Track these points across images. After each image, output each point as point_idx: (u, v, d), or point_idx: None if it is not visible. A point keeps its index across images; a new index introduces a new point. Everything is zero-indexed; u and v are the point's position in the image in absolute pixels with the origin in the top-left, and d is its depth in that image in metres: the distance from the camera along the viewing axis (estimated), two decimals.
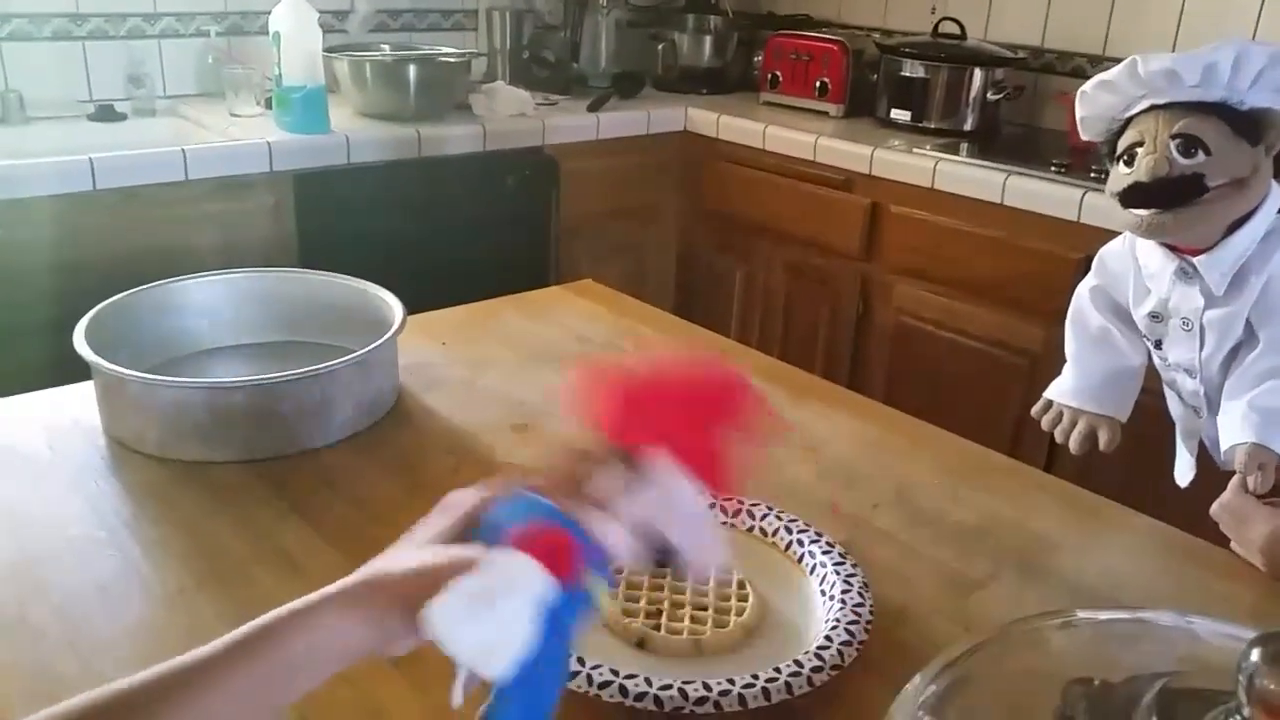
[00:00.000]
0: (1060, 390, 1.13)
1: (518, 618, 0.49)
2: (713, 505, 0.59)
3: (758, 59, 2.78)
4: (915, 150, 2.22)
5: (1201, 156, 0.91)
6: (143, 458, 1.00)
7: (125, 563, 0.84)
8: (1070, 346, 1.15)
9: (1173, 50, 2.29)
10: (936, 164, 2.14)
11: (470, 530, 0.55)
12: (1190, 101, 0.92)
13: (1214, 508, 0.92)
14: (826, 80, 2.57)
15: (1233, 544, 0.91)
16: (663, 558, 0.56)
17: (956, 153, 2.21)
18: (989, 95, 2.42)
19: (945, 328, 2.20)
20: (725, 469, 0.56)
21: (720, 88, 2.85)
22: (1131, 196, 0.95)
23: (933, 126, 2.43)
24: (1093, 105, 1.00)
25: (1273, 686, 0.43)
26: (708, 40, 2.89)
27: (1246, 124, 0.92)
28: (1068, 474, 1.10)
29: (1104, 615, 0.68)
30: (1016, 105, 2.53)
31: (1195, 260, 0.97)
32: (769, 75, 2.69)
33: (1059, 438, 1.12)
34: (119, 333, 1.08)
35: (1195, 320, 1.00)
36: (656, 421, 0.55)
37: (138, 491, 0.96)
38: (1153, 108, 0.95)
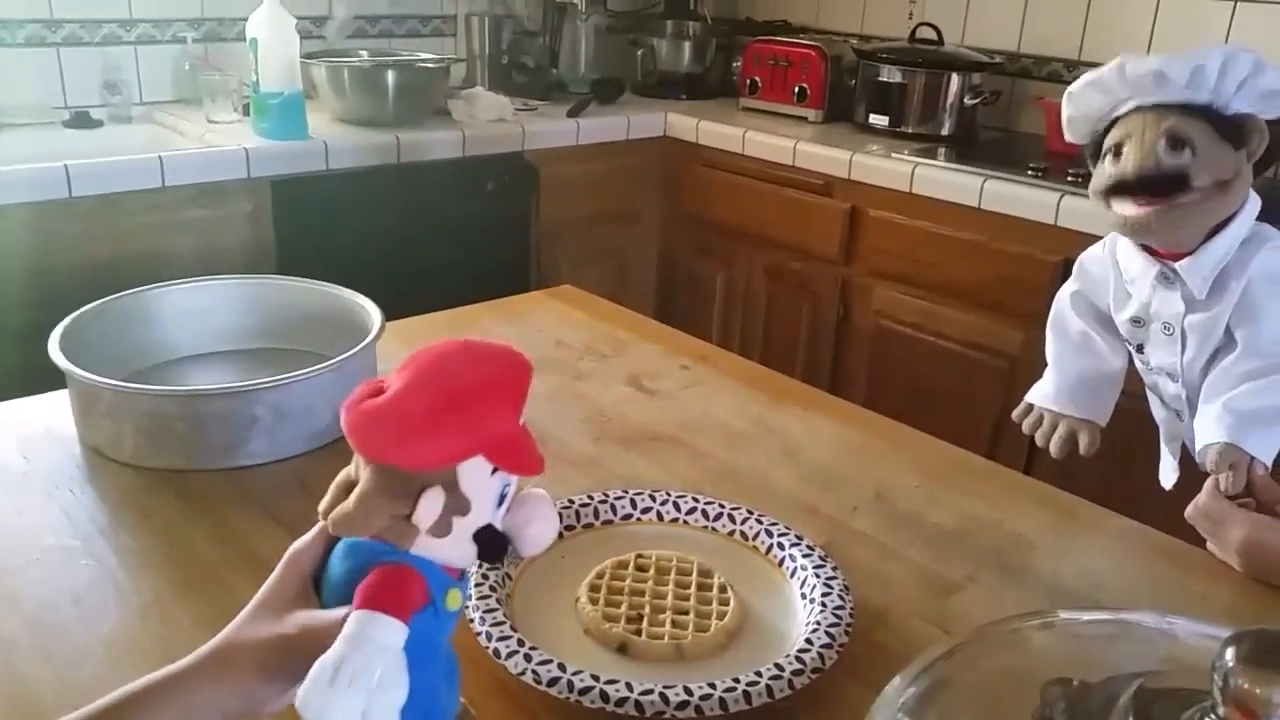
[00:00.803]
0: (1041, 394, 1.14)
1: (387, 677, 0.50)
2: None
3: (736, 64, 2.79)
4: (893, 155, 2.23)
5: (1187, 155, 0.92)
6: (118, 466, 0.99)
7: (100, 571, 0.83)
8: (1051, 351, 1.15)
9: (1147, 54, 2.32)
10: (914, 168, 2.15)
11: (315, 581, 0.56)
12: (1176, 103, 0.93)
13: (1189, 511, 0.92)
14: (805, 86, 2.58)
15: (1209, 545, 0.91)
16: (498, 545, 0.55)
17: (934, 157, 2.22)
18: (966, 100, 2.44)
19: (924, 331, 2.21)
20: (521, 447, 0.54)
21: (699, 93, 2.86)
22: (1116, 191, 0.95)
23: (910, 131, 2.44)
24: (1080, 105, 1.01)
25: (1246, 686, 0.43)
26: (687, 46, 2.90)
27: (1230, 128, 0.93)
28: (1047, 476, 1.11)
29: (1082, 616, 0.69)
30: (993, 110, 2.55)
31: (1176, 265, 0.97)
32: (748, 81, 2.70)
33: (1039, 441, 1.12)
34: (95, 340, 1.07)
35: (1176, 325, 1.00)
36: (444, 423, 0.51)
37: (113, 500, 0.95)
38: (1139, 108, 0.95)
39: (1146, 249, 1.01)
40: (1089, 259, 1.11)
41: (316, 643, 0.51)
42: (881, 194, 2.22)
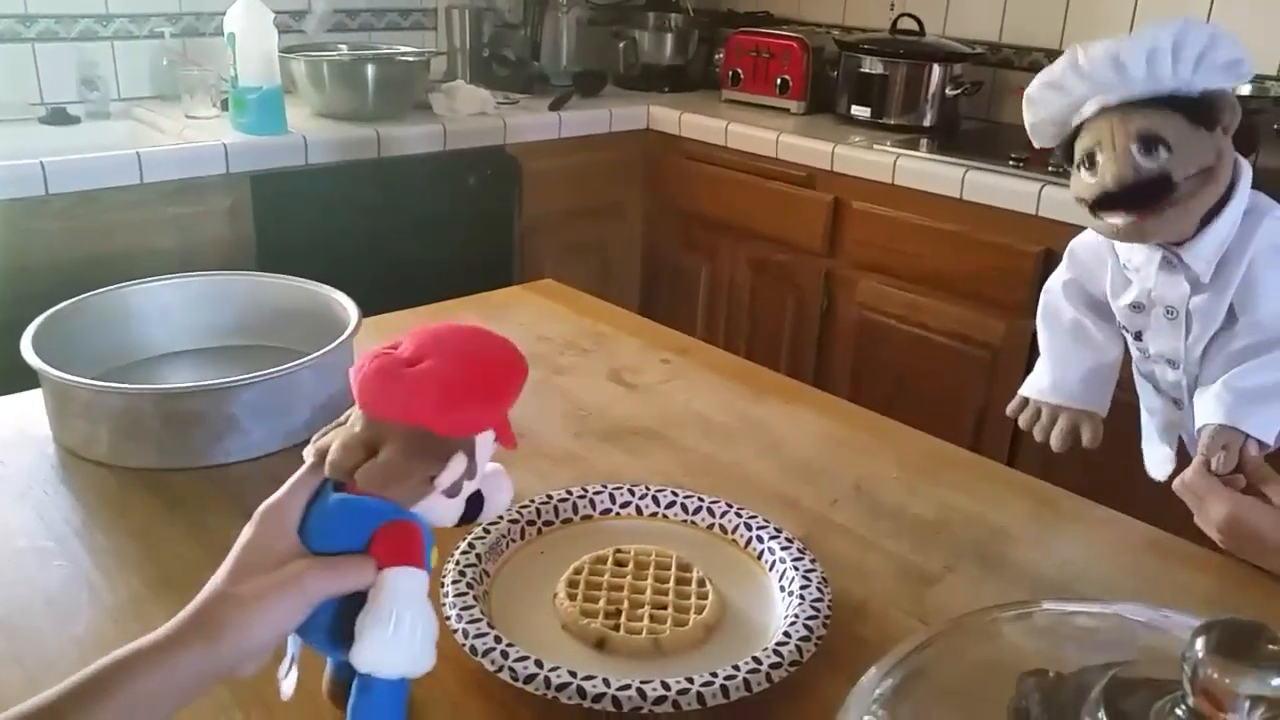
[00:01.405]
0: (1038, 388, 1.10)
1: (429, 620, 0.59)
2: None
3: (719, 56, 2.79)
4: (875, 146, 2.23)
5: (1164, 154, 0.89)
6: (93, 465, 0.98)
7: (75, 572, 0.83)
8: (1044, 342, 1.12)
9: None
10: (896, 160, 2.16)
11: (298, 535, 0.59)
12: (1141, 99, 0.91)
13: (1176, 484, 0.92)
14: (787, 77, 2.58)
15: (1195, 518, 0.91)
16: (478, 509, 0.64)
17: (916, 148, 2.22)
18: (948, 91, 2.44)
19: (908, 322, 2.21)
20: (509, 425, 0.63)
21: (682, 85, 2.86)
22: (1101, 205, 0.93)
23: (892, 122, 2.44)
24: (1042, 108, 0.97)
25: (1215, 676, 0.43)
26: (669, 38, 2.89)
27: (1201, 111, 0.90)
28: (1030, 467, 1.11)
29: (1059, 606, 0.69)
30: (975, 100, 2.55)
31: (1179, 250, 0.95)
32: (730, 73, 2.69)
33: (1039, 436, 1.09)
34: (69, 339, 1.06)
35: (1181, 308, 0.98)
36: (479, 396, 0.60)
37: (88, 500, 0.94)
38: (1104, 110, 0.92)
39: None
40: (1081, 246, 1.09)
41: (331, 584, 0.56)
42: (864, 185, 2.23)
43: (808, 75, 2.56)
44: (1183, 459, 1.12)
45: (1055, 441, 1.07)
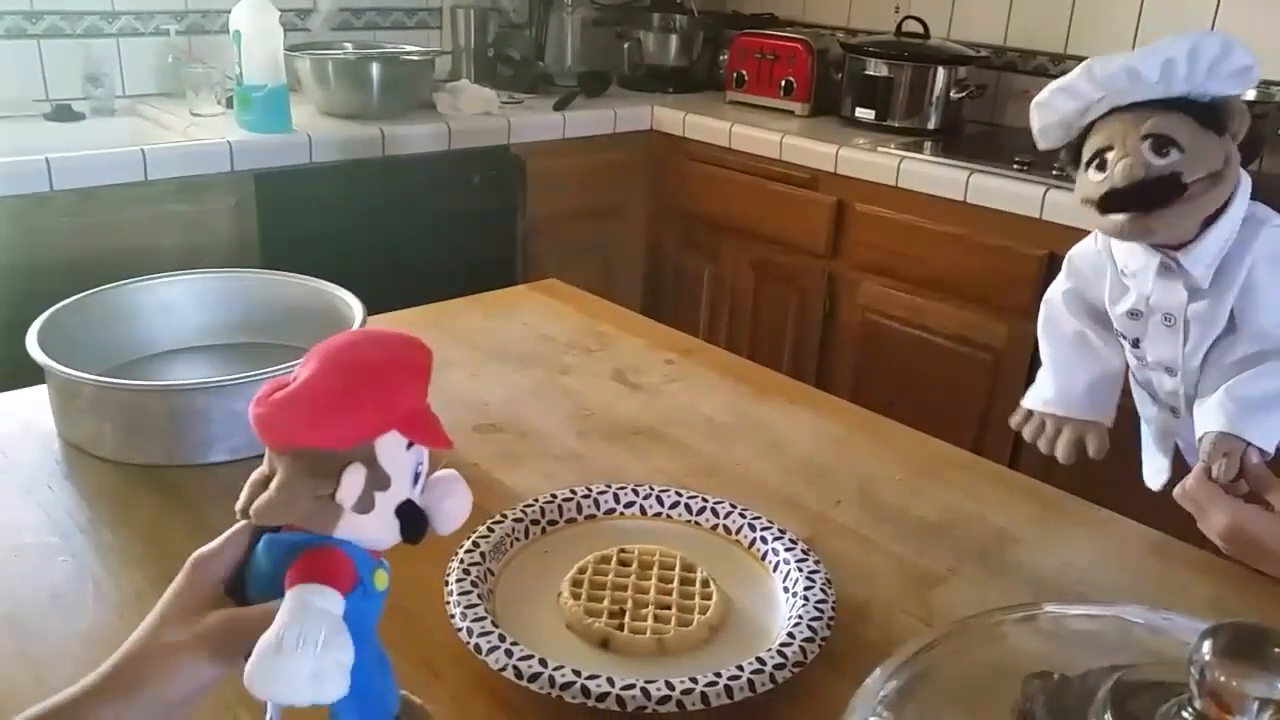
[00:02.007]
0: (1042, 399, 1.09)
1: (332, 637, 0.51)
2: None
3: (723, 58, 2.79)
4: (879, 149, 2.23)
5: (1175, 154, 0.90)
6: (99, 462, 0.98)
7: (80, 569, 0.83)
8: (1046, 353, 1.12)
9: (1133, 48, 2.32)
10: (900, 162, 2.16)
11: (231, 587, 0.56)
12: (1153, 100, 0.91)
13: (1177, 491, 0.92)
14: (792, 79, 2.58)
15: (1199, 524, 0.91)
16: (419, 522, 0.57)
17: (920, 151, 2.22)
18: (952, 94, 2.44)
19: (910, 324, 2.21)
20: (432, 422, 0.56)
21: (686, 87, 2.86)
22: (1109, 203, 0.93)
23: (897, 125, 2.44)
24: (1051, 113, 0.98)
25: (1222, 679, 0.43)
26: (674, 39, 2.89)
27: (1210, 115, 0.91)
28: (1032, 469, 1.11)
29: (1064, 609, 0.69)
30: (979, 104, 2.55)
31: (1178, 255, 0.95)
32: (735, 74, 2.69)
33: (1044, 448, 1.08)
34: (74, 335, 1.06)
35: (1179, 315, 0.98)
36: (356, 400, 0.53)
37: (93, 496, 0.94)
38: (1114, 110, 0.93)
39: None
40: (1079, 255, 1.09)
41: (242, 635, 0.51)
42: (868, 188, 2.23)
43: (812, 77, 2.57)
44: (1178, 468, 1.12)
45: (1061, 453, 1.06)
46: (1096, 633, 0.64)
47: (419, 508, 0.57)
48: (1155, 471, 1.15)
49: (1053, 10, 2.46)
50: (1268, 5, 2.12)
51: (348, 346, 0.55)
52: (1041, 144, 1.01)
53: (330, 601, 0.52)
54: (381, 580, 0.56)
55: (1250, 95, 2.10)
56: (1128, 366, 1.10)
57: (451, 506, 0.59)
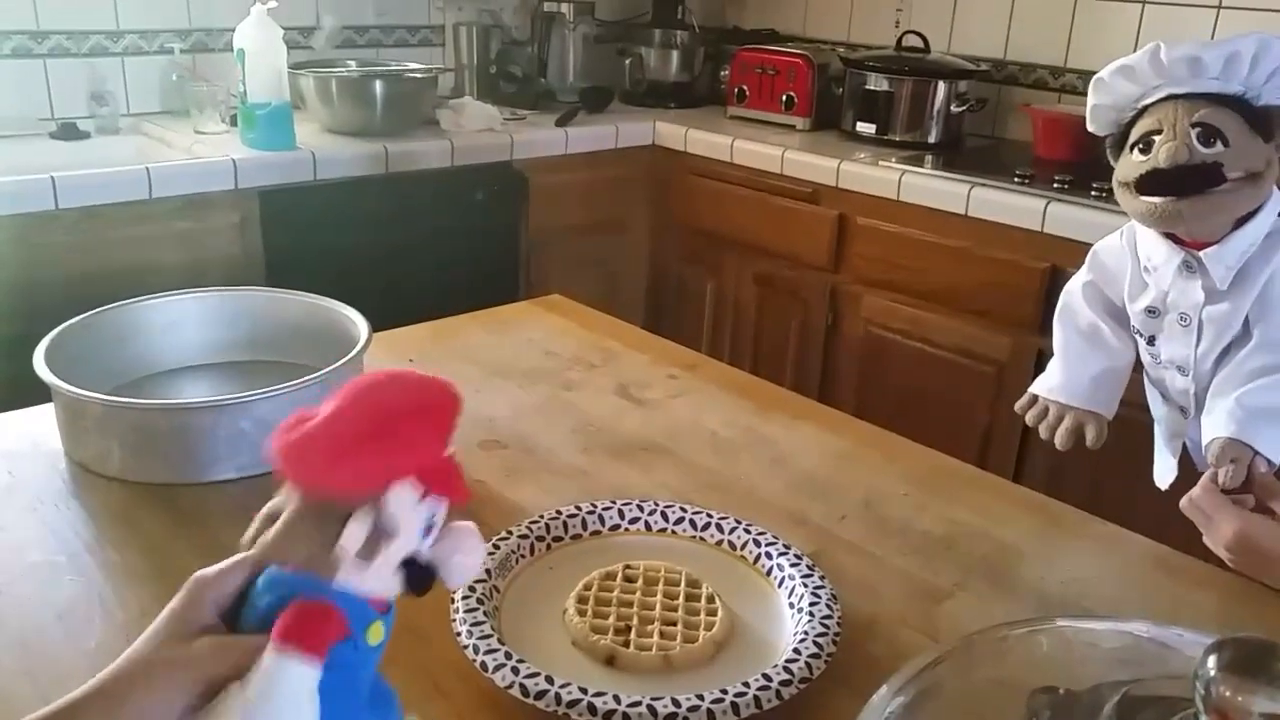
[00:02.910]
0: (1048, 386, 1.12)
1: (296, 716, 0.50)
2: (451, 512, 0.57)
3: (724, 73, 2.80)
4: (881, 163, 2.24)
5: (1220, 147, 0.92)
6: (105, 480, 0.99)
7: (86, 588, 0.83)
8: (1059, 342, 1.14)
9: None
10: (902, 176, 2.16)
11: (232, 609, 0.55)
12: (1208, 93, 0.93)
13: (1183, 502, 0.92)
14: (793, 94, 2.59)
15: (1205, 537, 0.91)
16: (425, 576, 0.55)
17: (921, 165, 2.23)
18: (953, 108, 2.45)
19: (913, 338, 2.21)
20: (451, 474, 0.55)
21: (688, 102, 2.87)
22: (1148, 183, 0.95)
23: (897, 139, 2.45)
24: (1109, 93, 1.00)
25: (1228, 694, 0.43)
26: (675, 55, 2.90)
27: (1260, 120, 0.93)
28: (1036, 483, 1.11)
29: (1070, 624, 0.69)
30: (980, 117, 2.56)
31: (1201, 254, 0.97)
32: (736, 89, 2.70)
33: (1044, 433, 1.11)
34: (81, 354, 1.07)
35: (1194, 315, 1.00)
36: (375, 444, 0.51)
37: (100, 515, 0.94)
38: (1170, 97, 0.95)
39: (1171, 237, 1.00)
40: (1104, 250, 1.10)
41: (229, 663, 0.51)
42: (869, 201, 2.23)
43: (813, 92, 2.58)
44: (1185, 469, 1.13)
45: (1060, 440, 1.09)
46: (1102, 648, 0.64)
47: (425, 562, 0.55)
48: (1164, 471, 1.16)
49: (1052, 24, 2.47)
50: (1264, 21, 2.13)
51: (372, 388, 0.54)
52: (1091, 125, 1.03)
53: (303, 679, 0.50)
54: (375, 635, 0.55)
55: None
56: (1137, 363, 1.11)
57: (461, 561, 0.57)
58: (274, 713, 0.49)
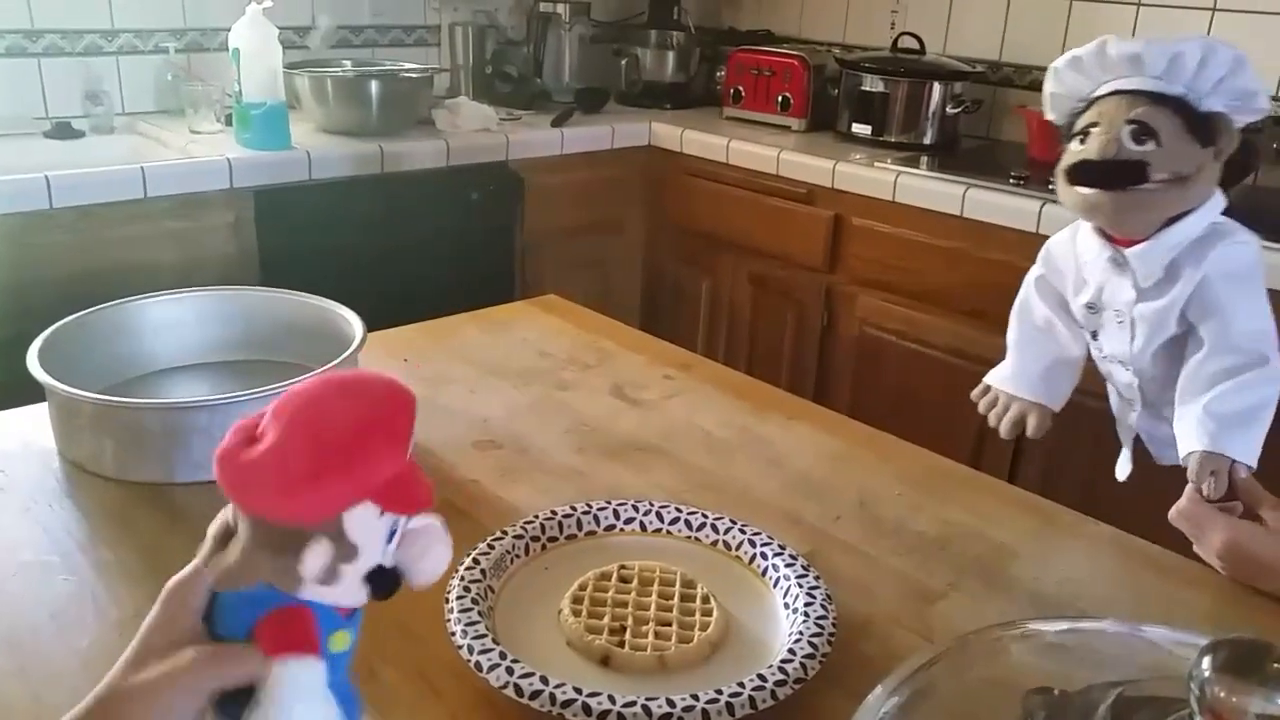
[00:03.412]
0: (999, 376, 1.16)
1: (317, 717, 0.51)
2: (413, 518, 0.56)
3: (720, 74, 2.80)
4: (876, 164, 2.24)
5: (1151, 146, 0.93)
6: (99, 480, 0.98)
7: (79, 587, 0.83)
8: (1012, 334, 1.18)
9: None
10: (897, 177, 2.16)
11: (204, 618, 0.54)
12: (1152, 91, 0.94)
13: (1171, 514, 0.93)
14: (788, 95, 2.59)
15: (1195, 546, 0.92)
16: (390, 582, 0.54)
17: (917, 166, 2.23)
18: (948, 109, 2.45)
19: (908, 338, 2.21)
20: (410, 485, 0.53)
21: (683, 103, 2.87)
22: (1076, 173, 0.97)
23: (893, 140, 2.45)
24: (1060, 83, 1.02)
25: (1222, 694, 0.43)
26: (671, 56, 2.90)
27: (1201, 125, 0.94)
28: (1030, 484, 1.11)
29: (1063, 624, 0.69)
30: (975, 118, 2.56)
31: (1127, 251, 0.98)
32: (731, 90, 2.70)
33: (991, 421, 1.15)
34: (75, 353, 1.06)
35: (1127, 312, 1.02)
36: (327, 474, 0.49)
37: (93, 514, 0.94)
38: (1116, 92, 0.96)
39: (1102, 233, 1.01)
40: (1054, 244, 1.12)
41: (217, 674, 0.50)
42: (864, 202, 2.23)
43: (809, 93, 2.58)
44: (1139, 459, 1.15)
45: (1004, 428, 1.13)
46: (1096, 648, 0.64)
47: (389, 570, 0.53)
48: (1121, 463, 1.18)
49: (1048, 25, 2.47)
50: (1260, 24, 2.13)
51: (318, 405, 0.51)
52: (1049, 113, 1.05)
53: (315, 673, 0.51)
54: (341, 642, 0.54)
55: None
56: (1089, 362, 1.13)
57: (428, 566, 0.55)
58: (305, 714, 0.50)
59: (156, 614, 0.53)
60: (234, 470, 0.49)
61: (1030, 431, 1.12)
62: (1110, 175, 0.94)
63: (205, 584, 0.53)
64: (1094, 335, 1.08)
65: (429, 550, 0.55)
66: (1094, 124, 0.96)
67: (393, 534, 0.53)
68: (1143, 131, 0.93)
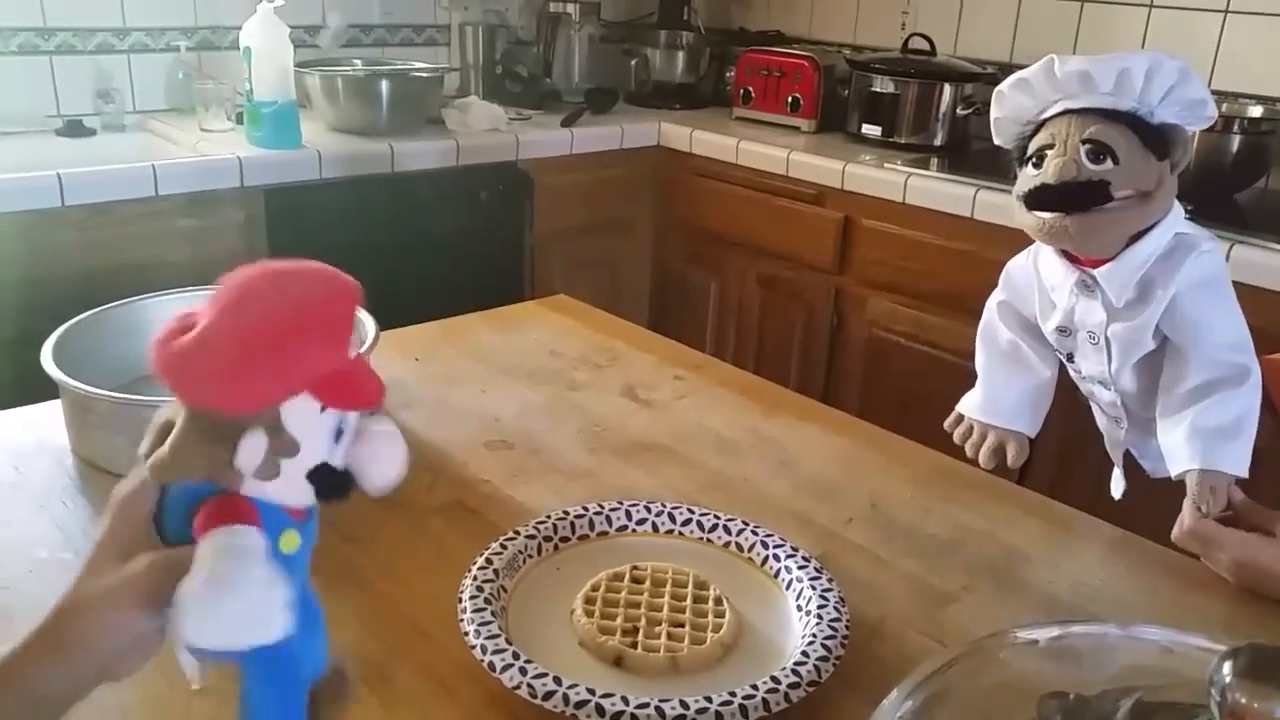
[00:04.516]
0: (970, 405, 1.12)
1: (259, 571, 0.47)
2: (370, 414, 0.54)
3: (730, 74, 2.80)
4: (886, 165, 2.24)
5: (1109, 164, 0.90)
6: (112, 478, 0.96)
7: None
8: (980, 361, 1.14)
9: None
10: (907, 178, 2.16)
11: (151, 523, 0.53)
12: (1103, 109, 0.91)
13: (1176, 534, 0.91)
14: (798, 96, 2.59)
15: (1205, 561, 0.91)
16: (339, 484, 0.52)
17: (927, 167, 2.23)
18: (958, 110, 2.45)
19: (918, 340, 2.21)
20: (354, 380, 0.51)
21: (693, 103, 2.87)
22: (1036, 198, 0.94)
23: (903, 141, 2.45)
24: (1007, 106, 0.99)
25: (1244, 700, 0.43)
26: (680, 56, 2.90)
27: (1155, 138, 0.91)
28: (1041, 486, 1.11)
29: (1078, 628, 0.69)
30: (986, 120, 2.54)
31: (1095, 272, 0.96)
32: (741, 91, 2.70)
33: (969, 452, 1.10)
34: (88, 350, 1.07)
35: (1100, 333, 0.99)
36: (257, 363, 0.47)
37: None
38: (1066, 112, 0.93)
39: (1066, 255, 0.99)
40: (1015, 267, 1.09)
41: (164, 579, 0.48)
42: (874, 204, 2.23)
43: (818, 94, 2.57)
44: (1131, 474, 1.13)
45: (983, 458, 1.08)
46: (1112, 653, 0.64)
47: (335, 471, 0.51)
48: (1114, 480, 1.15)
49: (1059, 27, 2.47)
50: (1271, 26, 2.13)
51: (253, 295, 0.49)
52: (996, 138, 1.02)
53: (246, 538, 0.48)
54: (290, 542, 0.51)
55: (1257, 111, 2.11)
56: (1058, 378, 1.09)
57: (379, 469, 0.53)
58: (233, 572, 0.46)
59: (106, 526, 0.53)
60: (163, 355, 0.48)
61: (1010, 461, 1.07)
62: (1073, 197, 0.91)
63: (152, 492, 0.53)
64: (1070, 358, 1.05)
65: (381, 453, 0.54)
66: (1047, 146, 0.93)
67: (341, 434, 0.52)
68: (1100, 150, 0.90)
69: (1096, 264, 0.96)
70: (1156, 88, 0.90)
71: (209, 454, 0.48)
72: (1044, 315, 1.05)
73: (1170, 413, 0.95)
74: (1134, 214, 0.92)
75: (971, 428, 1.11)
